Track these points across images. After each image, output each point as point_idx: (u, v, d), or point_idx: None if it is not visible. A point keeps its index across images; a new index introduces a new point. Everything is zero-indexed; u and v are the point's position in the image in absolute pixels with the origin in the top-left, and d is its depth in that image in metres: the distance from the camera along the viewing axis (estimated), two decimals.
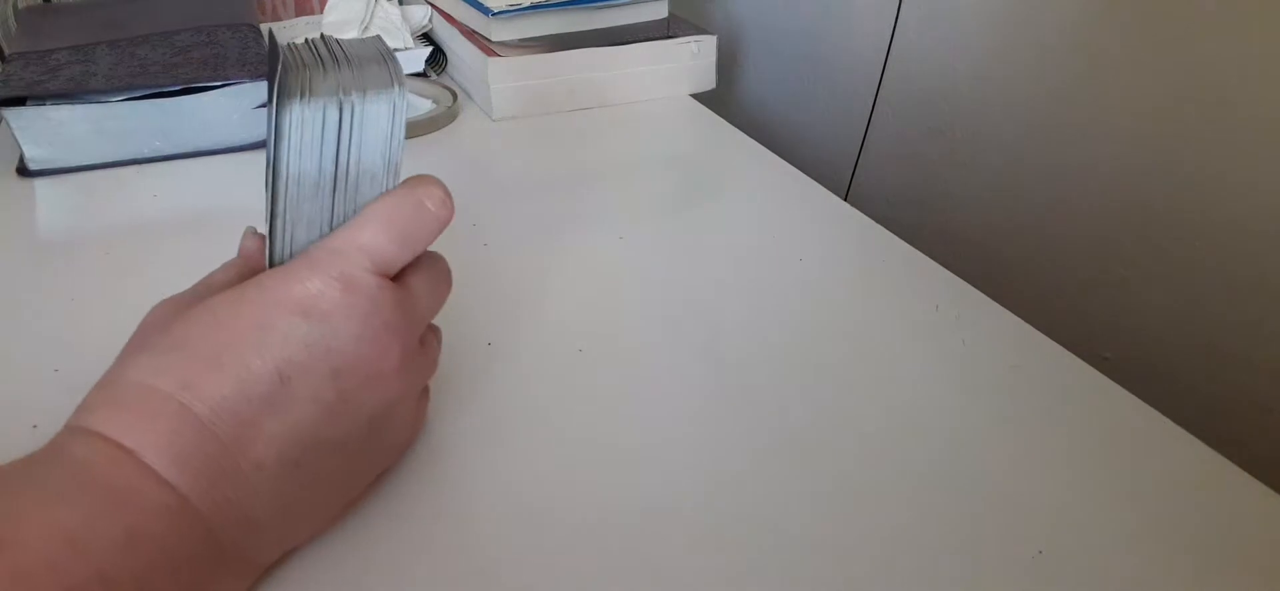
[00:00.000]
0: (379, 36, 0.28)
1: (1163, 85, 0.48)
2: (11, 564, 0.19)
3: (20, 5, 0.72)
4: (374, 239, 0.26)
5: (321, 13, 0.77)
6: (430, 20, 0.78)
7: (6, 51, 0.61)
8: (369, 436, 0.26)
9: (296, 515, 0.26)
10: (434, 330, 0.31)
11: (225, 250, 0.29)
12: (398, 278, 0.27)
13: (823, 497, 0.30)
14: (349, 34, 0.72)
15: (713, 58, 0.69)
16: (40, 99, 0.51)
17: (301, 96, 0.24)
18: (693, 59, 0.68)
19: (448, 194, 0.27)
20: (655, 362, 0.37)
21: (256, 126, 0.57)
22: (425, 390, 0.32)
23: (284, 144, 0.24)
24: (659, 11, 0.72)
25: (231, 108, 0.56)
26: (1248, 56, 0.44)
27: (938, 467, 0.32)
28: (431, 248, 0.29)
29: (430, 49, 0.74)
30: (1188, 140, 0.47)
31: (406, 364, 0.27)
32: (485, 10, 0.66)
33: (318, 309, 0.24)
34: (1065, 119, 0.54)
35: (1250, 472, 0.31)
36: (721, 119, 0.65)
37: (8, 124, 0.52)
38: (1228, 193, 0.46)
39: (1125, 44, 0.50)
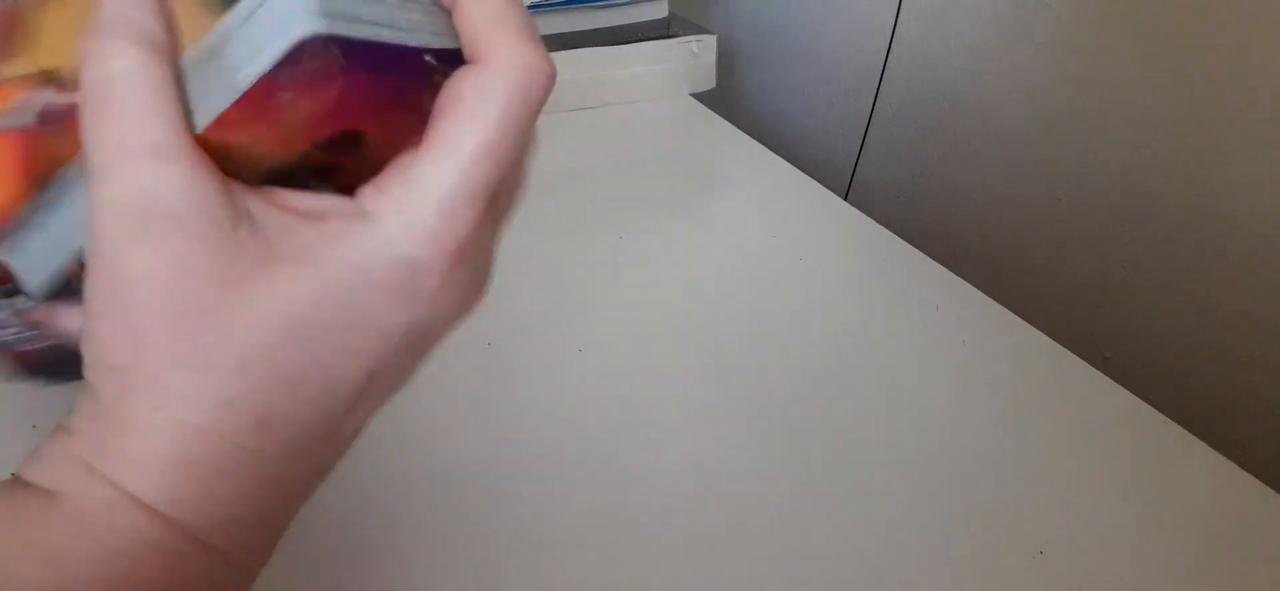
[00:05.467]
0: None
1: (1164, 83, 0.48)
2: None
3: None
4: (486, 178, 0.18)
5: None
6: None
7: None
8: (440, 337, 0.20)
9: (316, 483, 0.20)
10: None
11: None
12: None
13: (823, 496, 0.30)
14: None
15: (713, 57, 0.69)
16: None
17: None
18: (693, 58, 0.68)
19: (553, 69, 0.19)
20: (655, 362, 0.37)
21: None
22: None
23: None
24: (659, 11, 0.72)
25: None
26: (1249, 54, 0.44)
27: (938, 467, 0.32)
28: None
29: None
30: (1188, 138, 0.47)
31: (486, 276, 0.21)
32: None
33: (420, 292, 0.18)
34: (1065, 118, 0.54)
35: (1251, 473, 0.31)
36: (721, 118, 0.65)
37: None
38: (1228, 191, 0.46)
39: (1126, 41, 0.50)
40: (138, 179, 0.16)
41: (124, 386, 0.17)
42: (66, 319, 0.21)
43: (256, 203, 0.17)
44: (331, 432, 0.18)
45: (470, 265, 0.19)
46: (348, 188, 0.19)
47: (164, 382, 0.16)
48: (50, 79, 0.21)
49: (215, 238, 0.16)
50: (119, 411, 0.16)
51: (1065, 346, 0.38)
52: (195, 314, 0.16)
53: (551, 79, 0.18)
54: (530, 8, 0.66)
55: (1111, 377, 0.36)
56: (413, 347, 0.19)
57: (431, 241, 0.17)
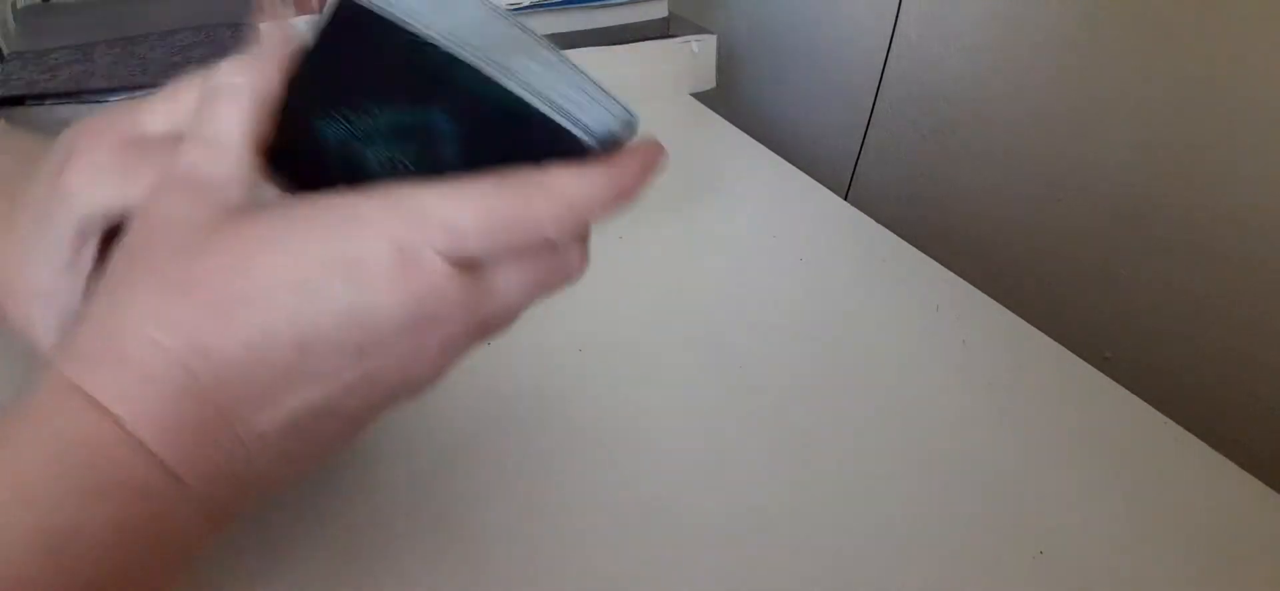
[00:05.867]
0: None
1: (1164, 82, 0.48)
2: None
3: (19, 4, 0.72)
4: (459, 217, 0.20)
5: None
6: None
7: (5, 51, 0.61)
8: (386, 406, 0.23)
9: (290, 472, 0.23)
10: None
11: None
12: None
13: (822, 496, 0.30)
14: None
15: (713, 57, 0.69)
16: (39, 99, 0.51)
17: None
18: (692, 58, 0.68)
19: (617, 194, 0.24)
20: (655, 362, 0.37)
21: None
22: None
23: None
24: (659, 11, 0.72)
25: None
26: (1249, 54, 0.44)
27: (938, 468, 0.32)
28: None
29: None
30: (1189, 138, 0.47)
31: (453, 356, 0.23)
32: None
33: (361, 274, 0.20)
34: (1066, 117, 0.54)
35: (1251, 473, 0.31)
36: (721, 118, 0.65)
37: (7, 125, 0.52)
38: (1229, 191, 0.46)
39: (1126, 41, 0.50)
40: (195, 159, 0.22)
41: (102, 300, 0.21)
42: None
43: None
44: (266, 384, 0.20)
45: (423, 302, 0.21)
46: None
47: (123, 300, 0.20)
48: None
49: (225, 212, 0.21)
50: (88, 330, 0.20)
51: (1065, 346, 0.38)
52: (162, 239, 0.21)
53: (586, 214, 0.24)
54: (529, 8, 0.66)
55: (1111, 377, 0.36)
56: (364, 350, 0.21)
57: (378, 226, 0.20)
